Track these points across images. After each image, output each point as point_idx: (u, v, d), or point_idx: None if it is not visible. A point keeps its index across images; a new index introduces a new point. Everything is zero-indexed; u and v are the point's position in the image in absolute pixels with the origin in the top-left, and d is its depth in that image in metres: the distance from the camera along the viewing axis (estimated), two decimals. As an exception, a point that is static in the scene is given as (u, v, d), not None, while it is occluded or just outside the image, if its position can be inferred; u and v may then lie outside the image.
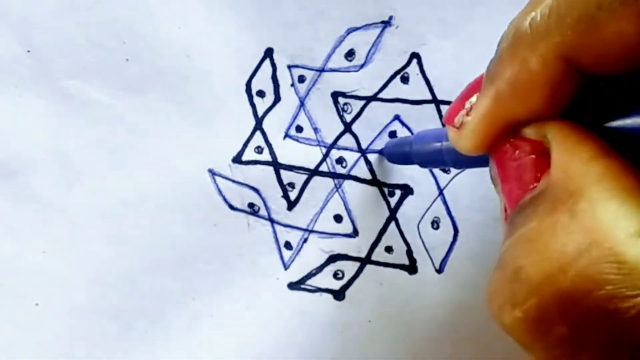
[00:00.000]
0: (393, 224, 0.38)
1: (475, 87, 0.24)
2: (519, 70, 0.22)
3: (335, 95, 0.38)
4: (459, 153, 0.26)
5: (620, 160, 0.21)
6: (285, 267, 0.37)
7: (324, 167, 0.38)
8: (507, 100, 0.23)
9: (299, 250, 0.37)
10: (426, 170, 0.38)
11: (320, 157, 0.38)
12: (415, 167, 0.35)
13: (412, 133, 0.38)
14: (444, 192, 0.38)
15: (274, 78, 0.38)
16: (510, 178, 0.23)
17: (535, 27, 0.21)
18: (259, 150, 0.38)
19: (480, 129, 0.24)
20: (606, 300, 0.18)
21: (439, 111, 0.38)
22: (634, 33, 0.20)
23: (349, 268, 0.37)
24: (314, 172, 0.38)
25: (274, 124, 0.38)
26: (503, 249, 0.22)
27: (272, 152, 0.38)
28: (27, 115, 0.37)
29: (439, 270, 0.38)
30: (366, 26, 0.38)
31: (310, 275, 0.37)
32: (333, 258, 0.37)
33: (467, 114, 0.24)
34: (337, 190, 0.38)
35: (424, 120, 0.38)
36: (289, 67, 0.38)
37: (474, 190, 0.38)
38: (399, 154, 0.36)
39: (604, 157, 0.21)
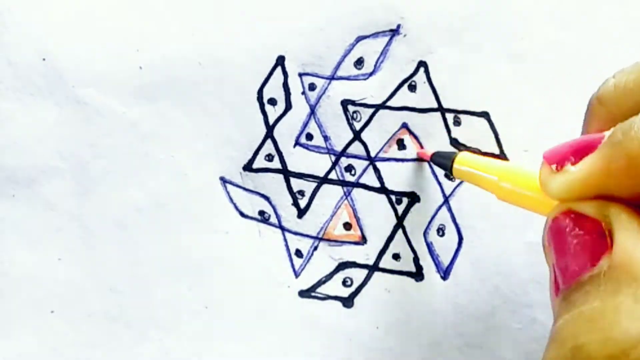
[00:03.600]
0: (400, 231, 0.38)
1: (590, 145, 0.24)
2: None
3: (345, 103, 0.38)
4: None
5: None
6: (296, 275, 0.38)
7: (333, 175, 0.38)
8: (619, 174, 0.22)
9: (309, 258, 0.38)
10: (432, 178, 0.38)
11: (329, 165, 0.38)
12: (421, 175, 0.36)
13: (419, 142, 0.38)
14: (449, 199, 0.38)
15: (285, 86, 0.38)
16: (566, 253, 0.23)
17: None
18: (269, 158, 0.38)
19: (577, 185, 0.23)
20: None
21: (445, 119, 0.38)
22: None
23: (358, 275, 0.38)
24: (323, 180, 0.38)
25: (285, 132, 0.38)
26: (560, 324, 0.22)
27: (282, 160, 0.38)
28: (42, 123, 0.38)
29: (444, 277, 0.38)
30: (375, 34, 0.38)
31: (320, 283, 0.38)
32: (342, 265, 0.38)
33: (573, 164, 0.24)
34: (346, 198, 0.38)
35: (431, 128, 0.38)
36: (300, 75, 0.38)
37: (478, 198, 0.38)
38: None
39: None
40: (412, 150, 0.38)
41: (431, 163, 0.38)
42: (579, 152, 0.24)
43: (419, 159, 0.38)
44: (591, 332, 0.20)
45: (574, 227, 0.23)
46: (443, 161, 0.36)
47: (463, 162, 0.34)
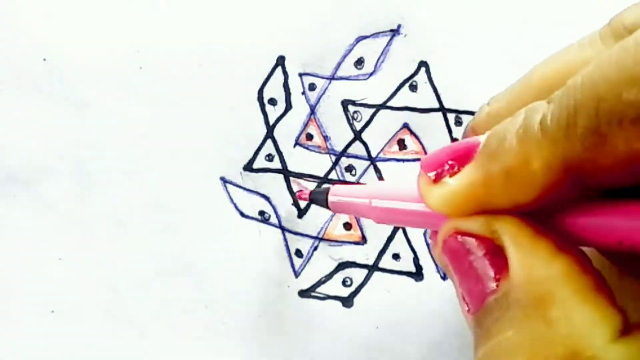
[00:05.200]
0: (400, 231, 0.38)
1: (467, 152, 0.23)
2: (520, 164, 0.21)
3: (345, 104, 0.38)
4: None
5: (578, 255, 0.21)
6: (296, 275, 0.38)
7: (333, 175, 0.38)
8: (497, 186, 0.22)
9: (310, 258, 0.38)
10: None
11: (330, 165, 0.38)
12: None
13: (420, 142, 0.38)
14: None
15: (286, 86, 0.38)
16: (466, 275, 0.22)
17: (545, 128, 0.20)
18: (269, 158, 0.38)
19: (458, 199, 0.23)
20: None
21: (446, 119, 0.38)
22: None
23: (358, 275, 0.38)
24: (323, 180, 0.38)
25: (285, 132, 0.38)
26: (483, 356, 0.21)
27: (282, 160, 0.38)
28: (42, 123, 0.38)
29: (444, 277, 0.38)
30: (375, 34, 0.38)
31: (320, 282, 0.38)
32: (342, 265, 0.38)
33: (450, 175, 0.23)
34: (346, 198, 0.38)
35: (433, 128, 0.38)
36: (300, 75, 0.38)
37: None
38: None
39: (563, 254, 0.21)
40: (413, 150, 0.38)
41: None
42: (457, 159, 0.23)
43: (417, 159, 0.38)
44: None
45: (467, 248, 0.22)
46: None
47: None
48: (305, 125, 0.38)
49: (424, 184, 0.24)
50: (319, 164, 0.38)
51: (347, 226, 0.38)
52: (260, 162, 0.38)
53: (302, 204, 0.38)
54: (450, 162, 0.23)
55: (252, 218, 0.38)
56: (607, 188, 0.21)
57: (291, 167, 0.38)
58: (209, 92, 0.38)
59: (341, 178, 0.38)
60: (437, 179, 0.23)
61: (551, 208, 0.22)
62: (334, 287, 0.38)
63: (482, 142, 0.22)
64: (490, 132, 0.22)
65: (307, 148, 0.38)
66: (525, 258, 0.21)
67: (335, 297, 0.38)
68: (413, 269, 0.38)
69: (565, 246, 0.21)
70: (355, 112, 0.38)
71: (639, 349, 0.19)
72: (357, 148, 0.38)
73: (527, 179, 0.21)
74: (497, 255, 0.22)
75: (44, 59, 0.38)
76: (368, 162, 0.38)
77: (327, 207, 0.30)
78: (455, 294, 0.23)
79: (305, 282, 0.38)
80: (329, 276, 0.38)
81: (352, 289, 0.38)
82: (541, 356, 0.19)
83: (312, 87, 0.38)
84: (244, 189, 0.38)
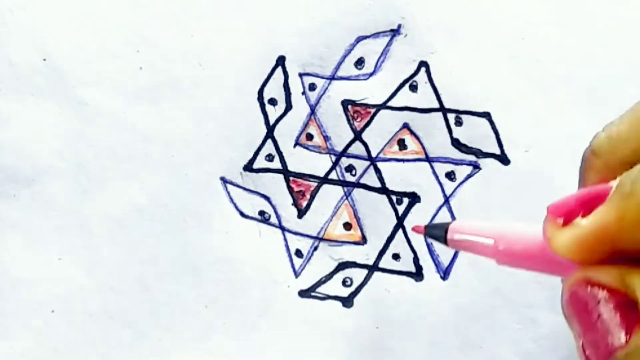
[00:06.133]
0: (400, 231, 0.38)
1: (599, 197, 0.22)
2: None
3: (346, 104, 0.38)
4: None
5: None
6: (296, 275, 0.38)
7: (333, 175, 0.38)
8: (632, 225, 0.21)
9: (310, 258, 0.38)
10: (433, 179, 0.38)
11: (330, 165, 0.38)
12: (422, 175, 0.36)
13: (420, 142, 0.38)
14: (450, 200, 0.38)
15: (286, 86, 0.38)
16: (593, 329, 0.22)
17: None
18: (269, 158, 0.38)
19: (590, 240, 0.22)
20: None
21: (446, 119, 0.38)
22: None
23: (357, 275, 0.38)
24: (323, 180, 0.38)
25: (285, 132, 0.38)
26: None
27: (282, 160, 0.38)
28: (42, 123, 0.38)
29: (444, 277, 0.38)
30: (375, 35, 0.38)
31: (320, 282, 0.38)
32: (342, 265, 0.38)
33: (583, 216, 0.22)
34: (346, 198, 0.38)
35: (433, 128, 0.38)
36: (300, 75, 0.38)
37: (478, 198, 0.38)
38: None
39: None
40: (413, 150, 0.38)
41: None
42: (587, 204, 0.22)
43: (417, 159, 0.38)
44: None
45: (597, 299, 0.22)
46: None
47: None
48: (306, 125, 0.38)
49: (550, 228, 0.23)
50: (319, 164, 0.38)
51: (347, 226, 0.38)
52: (260, 162, 0.38)
53: (303, 203, 0.38)
54: (580, 209, 0.22)
55: (252, 218, 0.38)
56: None
57: (291, 167, 0.38)
58: (209, 92, 0.38)
59: (341, 178, 0.38)
60: (566, 222, 0.23)
61: None
62: (334, 287, 0.38)
63: (615, 184, 0.22)
64: (623, 175, 0.22)
65: (307, 148, 0.38)
66: None
67: (335, 297, 0.38)
68: (413, 269, 0.38)
69: None
70: (355, 112, 0.38)
71: None
72: (357, 148, 0.38)
73: None
74: (629, 308, 0.21)
75: (44, 59, 0.38)
76: (368, 162, 0.38)
77: (444, 243, 0.29)
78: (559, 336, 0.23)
79: (305, 282, 0.38)
80: (329, 276, 0.38)
81: (352, 289, 0.38)
82: None
83: (312, 87, 0.38)
84: (244, 189, 0.38)
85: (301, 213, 0.38)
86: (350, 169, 0.38)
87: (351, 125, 0.38)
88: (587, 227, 0.22)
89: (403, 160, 0.38)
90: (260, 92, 0.38)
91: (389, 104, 0.38)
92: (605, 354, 0.21)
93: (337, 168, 0.38)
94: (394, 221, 0.38)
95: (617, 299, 0.21)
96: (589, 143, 0.26)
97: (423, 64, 0.38)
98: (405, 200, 0.38)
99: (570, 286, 0.23)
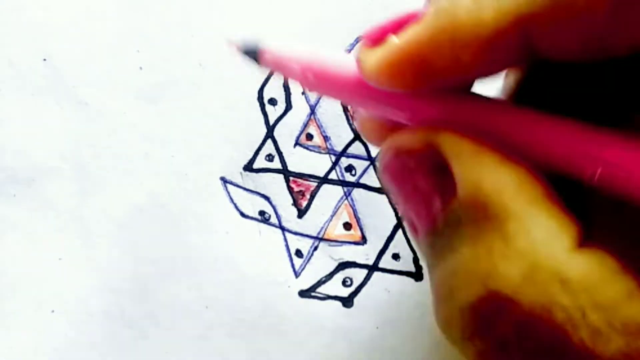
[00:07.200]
0: (400, 231, 0.38)
1: (416, 17, 0.20)
2: (470, 13, 0.19)
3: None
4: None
5: (524, 163, 0.19)
6: (296, 275, 0.38)
7: (333, 175, 0.38)
8: (443, 42, 0.19)
9: (310, 258, 0.38)
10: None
11: (330, 165, 0.38)
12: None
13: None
14: (451, 199, 0.38)
15: (286, 86, 0.38)
16: (412, 198, 0.21)
17: None
18: (269, 158, 0.38)
19: (399, 56, 0.20)
20: (559, 328, 0.18)
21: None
22: (605, 11, 0.18)
23: (357, 275, 0.38)
24: (323, 180, 0.38)
25: (285, 132, 0.38)
26: (437, 281, 0.20)
27: (282, 160, 0.38)
28: (43, 123, 0.38)
29: (445, 277, 0.38)
30: (376, 34, 0.38)
31: (320, 282, 0.38)
32: (342, 265, 0.38)
33: (395, 32, 0.20)
34: (346, 198, 0.38)
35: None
36: (300, 75, 0.38)
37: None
38: None
39: (510, 164, 0.19)
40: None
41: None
42: (404, 25, 0.20)
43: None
44: (470, 287, 0.19)
45: (409, 168, 0.21)
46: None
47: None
48: (305, 125, 0.38)
49: (362, 50, 0.21)
50: (319, 164, 0.38)
51: (347, 226, 0.38)
52: (260, 162, 0.38)
53: (303, 203, 0.38)
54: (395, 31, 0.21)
55: (252, 218, 0.38)
56: (554, 59, 0.19)
57: (291, 167, 0.38)
58: (209, 92, 0.38)
59: (341, 178, 0.38)
60: (378, 41, 0.21)
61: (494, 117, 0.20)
62: (334, 287, 0.38)
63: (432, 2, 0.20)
64: None
65: (307, 148, 0.38)
66: (472, 170, 0.19)
67: (335, 297, 0.38)
68: (413, 269, 0.38)
69: (511, 157, 0.19)
70: (355, 111, 0.38)
71: (600, 257, 0.18)
72: (357, 148, 0.38)
73: (475, 31, 0.19)
74: (442, 172, 0.20)
75: (44, 59, 0.38)
76: (368, 162, 0.38)
77: (256, 61, 0.26)
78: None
79: (305, 282, 0.38)
80: (329, 276, 0.38)
81: (352, 289, 0.38)
82: (499, 272, 0.18)
83: (312, 87, 0.38)
84: (244, 189, 0.38)
85: (301, 213, 0.38)
86: (350, 168, 0.38)
87: (351, 125, 0.38)
88: (398, 45, 0.20)
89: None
90: (260, 92, 0.38)
91: (389, 103, 0.38)
92: (427, 221, 0.21)
93: (337, 168, 0.38)
94: (394, 221, 0.38)
95: (427, 164, 0.20)
96: None
97: (423, 63, 0.38)
98: (405, 200, 0.38)
99: (381, 158, 0.22)
